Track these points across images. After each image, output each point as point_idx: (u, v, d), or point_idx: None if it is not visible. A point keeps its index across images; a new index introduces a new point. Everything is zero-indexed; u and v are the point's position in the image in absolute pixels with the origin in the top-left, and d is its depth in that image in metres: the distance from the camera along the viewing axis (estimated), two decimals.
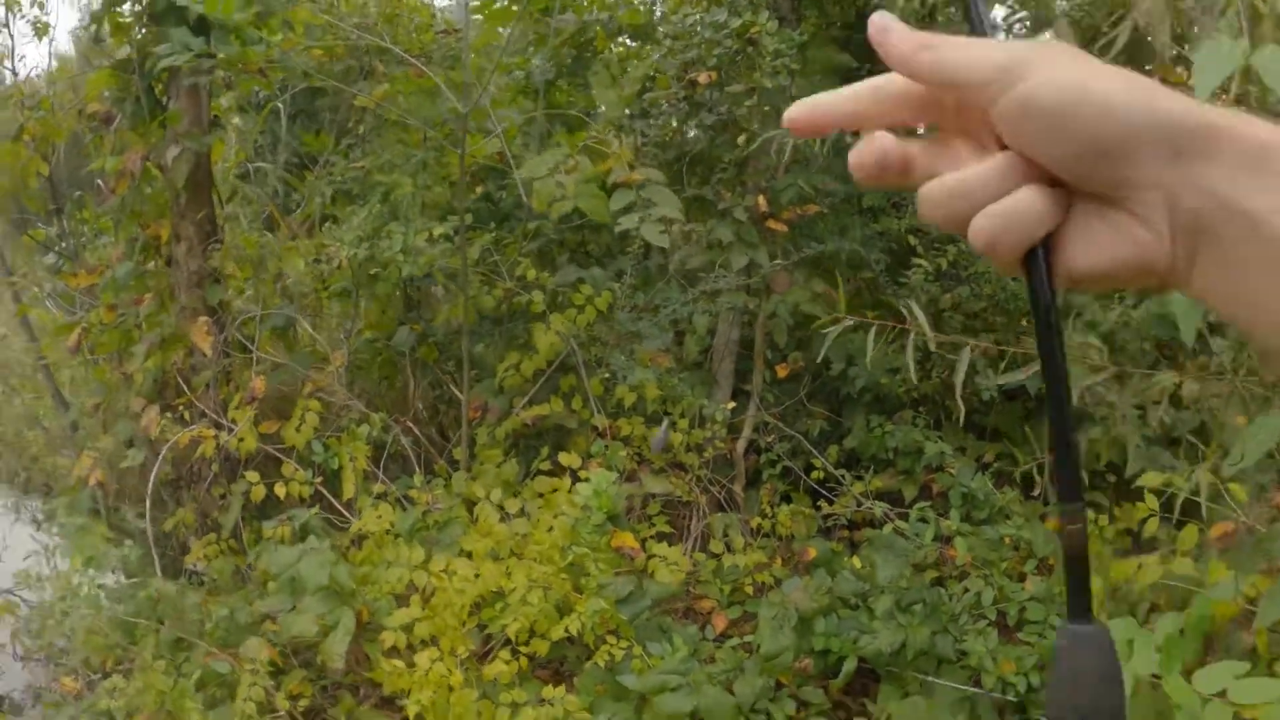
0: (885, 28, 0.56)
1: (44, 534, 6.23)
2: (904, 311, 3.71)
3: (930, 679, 3.50)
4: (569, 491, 3.56)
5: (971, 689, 3.40)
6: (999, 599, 3.82)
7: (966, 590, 3.87)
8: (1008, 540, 4.21)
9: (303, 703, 3.63)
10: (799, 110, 0.58)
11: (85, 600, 4.24)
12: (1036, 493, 4.68)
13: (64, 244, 6.51)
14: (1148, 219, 0.51)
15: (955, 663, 3.56)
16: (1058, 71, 0.51)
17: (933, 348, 3.60)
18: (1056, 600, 3.84)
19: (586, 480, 3.54)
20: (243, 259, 4.59)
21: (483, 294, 4.11)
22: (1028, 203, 0.52)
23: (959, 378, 3.49)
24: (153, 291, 4.87)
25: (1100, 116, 0.50)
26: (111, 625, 4.11)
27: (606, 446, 3.86)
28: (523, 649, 3.36)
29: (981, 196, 0.53)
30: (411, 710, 3.24)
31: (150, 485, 4.40)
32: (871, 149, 0.56)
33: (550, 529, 3.49)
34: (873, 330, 3.62)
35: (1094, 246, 0.53)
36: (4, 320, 7.62)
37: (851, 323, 3.58)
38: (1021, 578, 4.07)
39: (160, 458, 4.40)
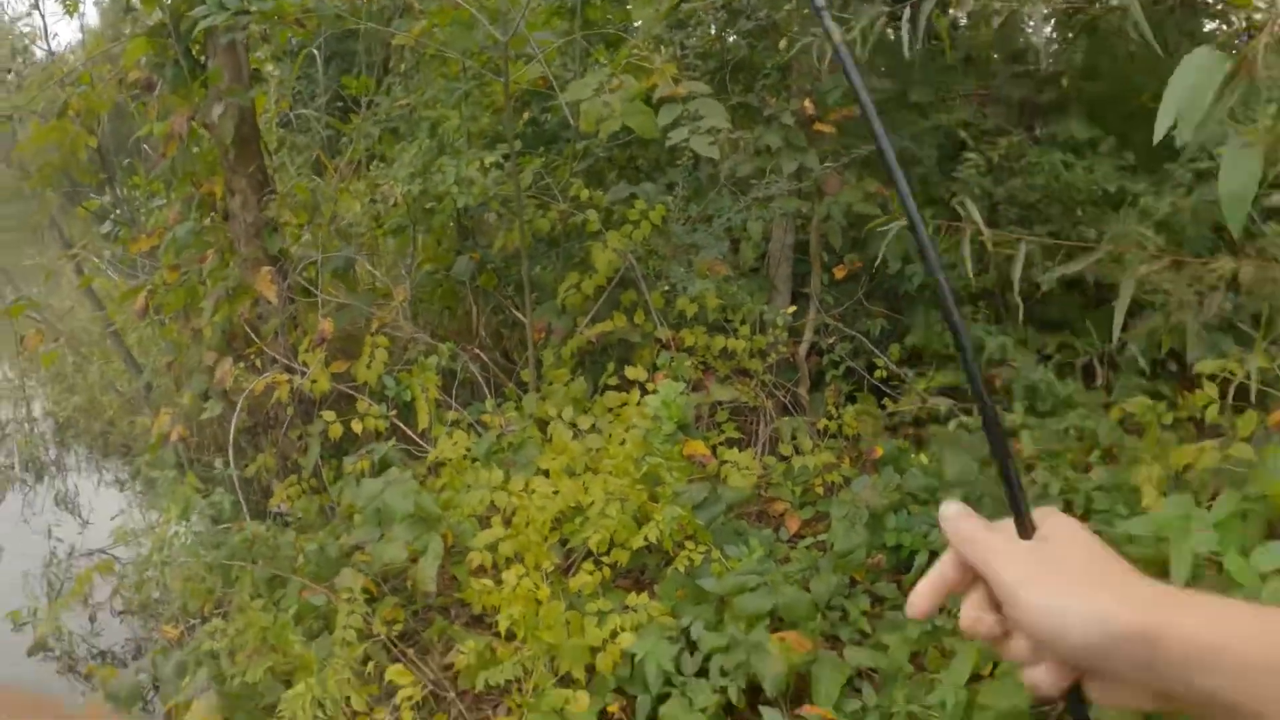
0: (945, 515, 0.77)
1: (128, 493, 6.47)
2: (958, 209, 3.69)
3: None
4: (638, 404, 3.61)
5: None
6: (1065, 489, 3.82)
7: (1033, 482, 3.88)
8: (1072, 431, 4.19)
9: (397, 627, 3.76)
10: (922, 602, 0.76)
11: (183, 549, 4.40)
12: (1099, 383, 4.65)
13: (119, 211, 6.64)
14: (1150, 690, 0.64)
15: None
16: (1039, 595, 0.68)
17: (989, 246, 3.58)
18: (1122, 489, 3.84)
19: (654, 392, 3.59)
20: (297, 206, 4.65)
21: (538, 217, 4.13)
22: (1050, 679, 0.69)
23: (1016, 273, 3.47)
24: (213, 247, 4.96)
25: (1072, 645, 0.65)
26: (208, 570, 4.27)
27: (672, 358, 3.89)
28: (604, 559, 3.45)
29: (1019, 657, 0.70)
30: (502, 625, 3.35)
31: (231, 434, 4.53)
32: (933, 602, 0.76)
33: (622, 442, 3.55)
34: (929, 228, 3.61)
35: (1109, 694, 0.67)
36: (69, 292, 7.81)
37: (906, 222, 3.57)
38: (1086, 468, 4.06)
39: (237, 407, 4.53)
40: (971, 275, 3.14)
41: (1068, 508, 3.75)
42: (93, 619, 5.55)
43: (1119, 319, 3.25)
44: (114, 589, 5.46)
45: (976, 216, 3.07)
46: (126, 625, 5.59)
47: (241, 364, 4.55)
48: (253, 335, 4.68)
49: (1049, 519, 0.76)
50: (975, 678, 2.93)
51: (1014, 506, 0.77)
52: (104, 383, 7.00)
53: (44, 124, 5.37)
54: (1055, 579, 0.69)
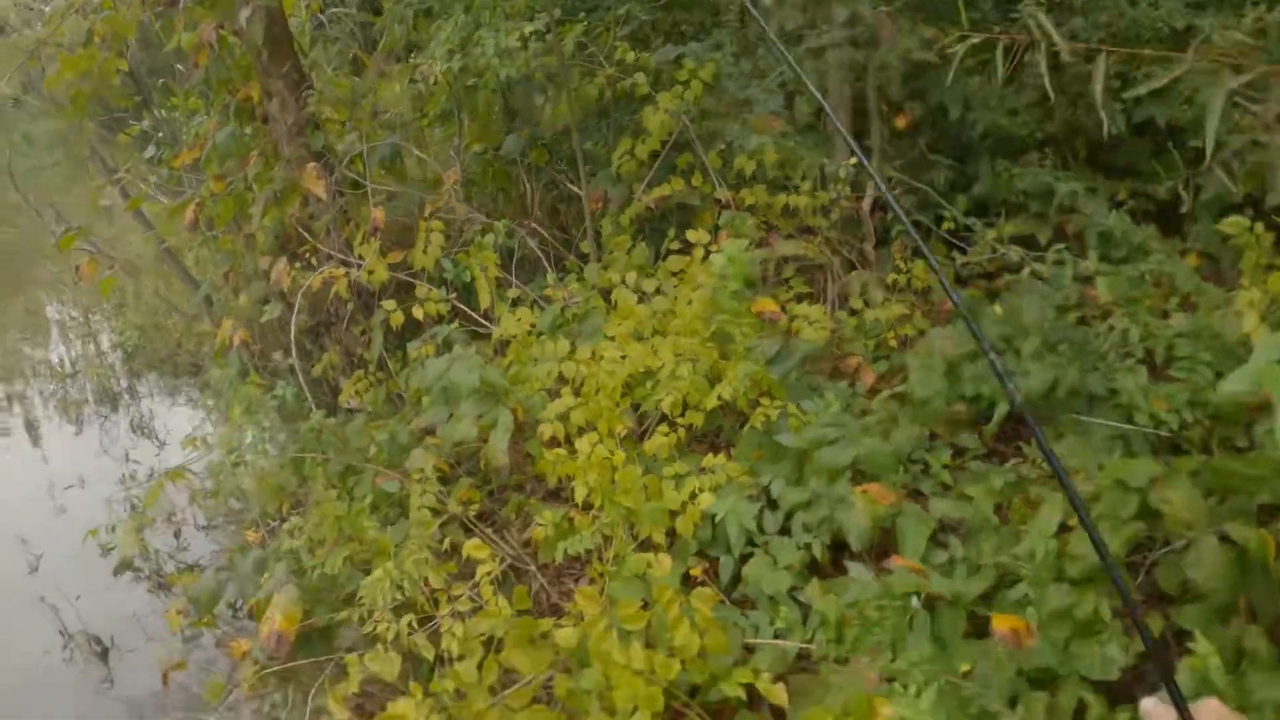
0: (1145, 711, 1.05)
1: (201, 411, 6.55)
2: (1029, 25, 3.49)
3: (1083, 418, 3.42)
4: (703, 262, 3.51)
5: (1125, 426, 3.31)
6: (1145, 336, 3.68)
7: (1112, 329, 3.74)
8: (1149, 277, 4.03)
9: (473, 508, 3.76)
10: None
11: (250, 447, 4.43)
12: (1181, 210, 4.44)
13: (160, 134, 6.60)
14: None
15: (1107, 400, 3.46)
16: None
17: (1065, 56, 3.38)
18: (1203, 335, 3.69)
19: (718, 252, 3.49)
20: (337, 101, 4.56)
21: (585, 85, 4.00)
22: None
23: (1097, 84, 3.28)
24: (256, 151, 4.91)
25: None
26: (280, 467, 4.30)
27: (733, 217, 3.78)
28: (679, 421, 3.39)
29: None
30: (579, 495, 3.32)
31: (291, 333, 4.52)
32: None
33: (689, 303, 3.46)
34: (999, 47, 3.42)
35: None
36: (119, 220, 7.85)
37: (978, 39, 3.39)
38: (1165, 315, 3.91)
39: (295, 307, 4.51)
40: (1051, 90, 2.95)
41: (1148, 356, 3.61)
42: (177, 535, 5.66)
43: (1210, 135, 3.06)
44: (190, 496, 5.56)
45: (1049, 27, 2.89)
46: (211, 538, 5.69)
47: (297, 264, 4.52)
48: (305, 234, 4.64)
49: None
50: (1064, 528, 2.84)
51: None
52: (165, 306, 7.05)
53: (71, 55, 5.30)
54: None
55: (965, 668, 2.55)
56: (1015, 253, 4.07)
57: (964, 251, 4.19)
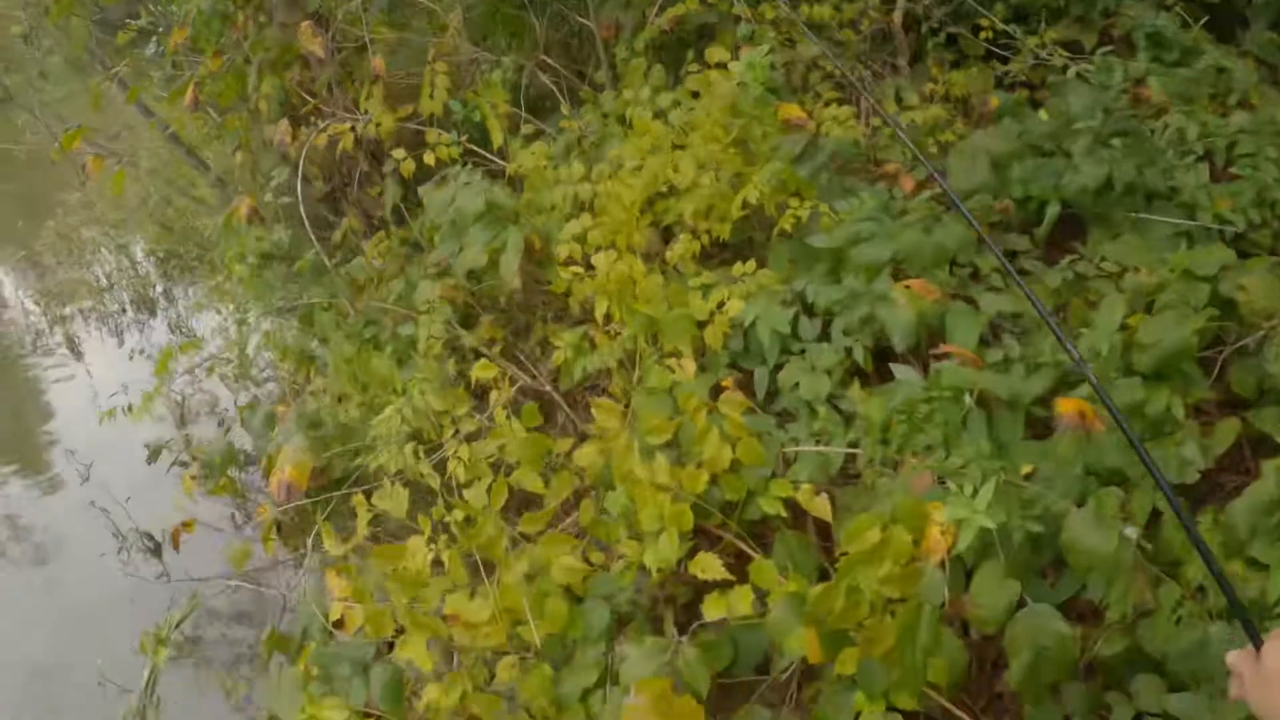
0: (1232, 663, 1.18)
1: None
2: None
3: (1142, 216, 3.16)
4: (724, 71, 3.26)
5: (1188, 222, 3.05)
6: (1203, 134, 3.39)
7: (1167, 126, 3.46)
8: (1204, 77, 3.73)
9: (497, 347, 3.59)
10: None
11: (259, 309, 4.28)
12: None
13: (159, 29, 6.42)
14: None
15: (1167, 199, 3.20)
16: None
17: None
18: (1265, 132, 3.40)
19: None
20: None
21: None
22: None
23: None
24: (245, 12, 4.69)
25: None
26: (297, 329, 4.16)
27: (753, 31, 3.52)
28: (703, 227, 3.16)
29: None
30: (599, 310, 3.13)
31: (299, 195, 4.31)
32: None
33: (709, 114, 3.22)
34: None
35: None
36: (130, 121, 7.82)
37: None
38: (1224, 113, 3.61)
39: (302, 173, 4.32)
40: None
41: (1208, 155, 3.33)
42: (220, 424, 5.63)
43: None
44: (209, 366, 5.52)
45: None
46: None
47: (303, 127, 4.34)
48: (308, 97, 4.44)
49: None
50: (1125, 328, 2.60)
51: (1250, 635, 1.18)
52: (180, 191, 7.01)
53: None
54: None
55: (1027, 469, 2.34)
56: (1059, 58, 3.79)
57: (1005, 61, 3.90)
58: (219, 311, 6.09)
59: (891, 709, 2.04)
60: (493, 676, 2.28)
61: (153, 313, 7.37)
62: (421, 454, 2.92)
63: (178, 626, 3.37)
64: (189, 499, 3.94)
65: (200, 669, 3.92)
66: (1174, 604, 1.94)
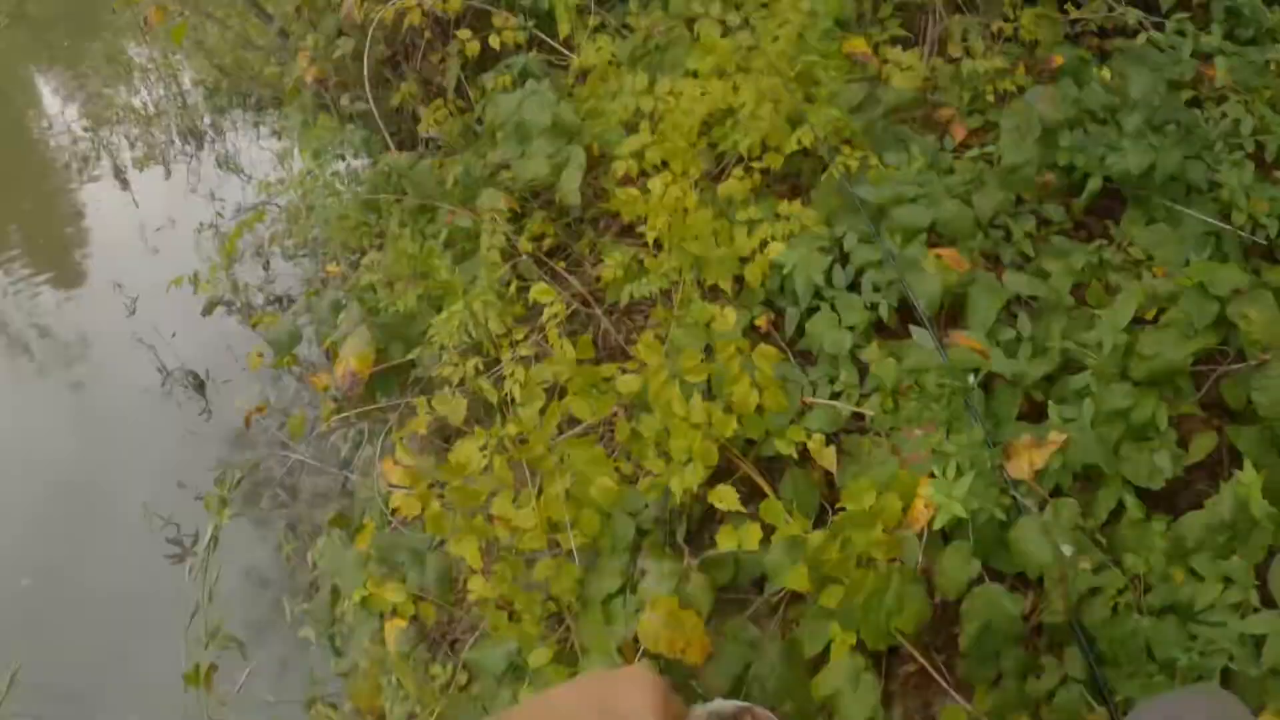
0: None
1: (286, 141, 6.62)
2: None
3: (1177, 207, 3.22)
4: None
5: (1219, 224, 3.11)
6: (1259, 129, 3.38)
7: (1224, 115, 3.45)
8: (1274, 65, 3.67)
9: (547, 242, 3.78)
10: None
11: (324, 187, 4.46)
12: None
13: None
14: None
15: (1206, 193, 3.23)
16: None
17: None
18: None
19: None
20: None
21: None
22: None
23: None
24: None
25: None
26: (354, 207, 4.34)
27: None
28: (755, 164, 3.29)
29: None
30: (650, 235, 3.30)
31: (366, 67, 4.43)
32: None
33: (775, 39, 3.29)
34: None
35: None
36: None
37: None
38: None
39: (369, 36, 4.40)
40: None
41: (1259, 151, 3.34)
42: (265, 266, 5.84)
43: None
44: (271, 236, 5.67)
45: None
46: (299, 267, 5.86)
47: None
48: None
49: None
50: (1137, 321, 2.74)
51: None
52: (241, 39, 6.99)
53: None
54: None
55: None
56: (1133, 15, 3.74)
57: (1078, 6, 3.86)
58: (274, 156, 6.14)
59: (860, 644, 2.36)
60: (529, 572, 2.61)
61: (200, 145, 7.42)
62: (481, 366, 3.17)
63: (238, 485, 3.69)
64: (251, 370, 4.18)
65: (256, 526, 4.25)
66: (1115, 592, 2.21)
